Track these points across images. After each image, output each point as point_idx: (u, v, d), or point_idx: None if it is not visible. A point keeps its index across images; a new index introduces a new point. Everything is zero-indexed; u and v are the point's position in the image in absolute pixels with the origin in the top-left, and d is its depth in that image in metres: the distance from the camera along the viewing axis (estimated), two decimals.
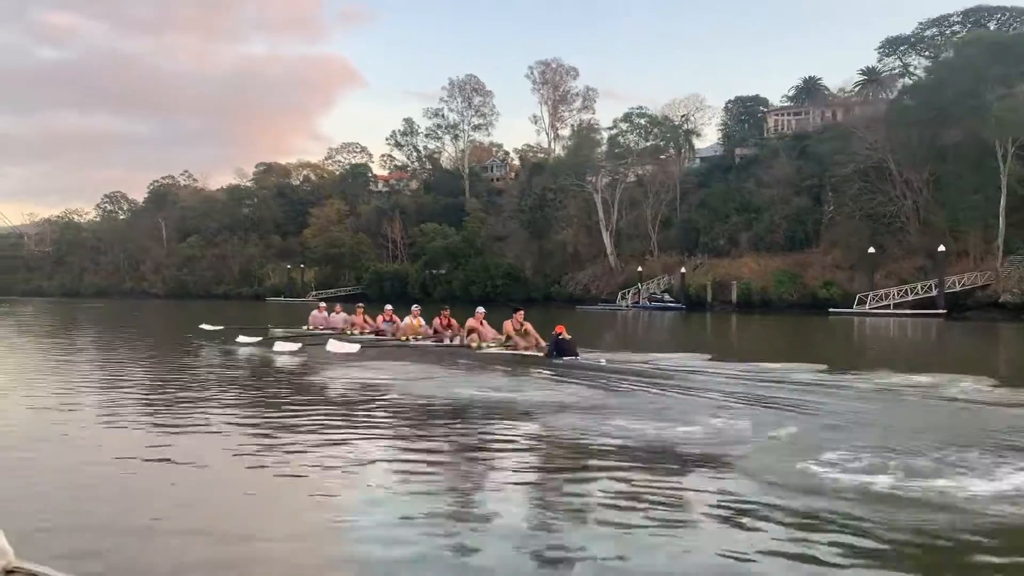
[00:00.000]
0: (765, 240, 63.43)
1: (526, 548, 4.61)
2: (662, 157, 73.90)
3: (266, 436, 8.07)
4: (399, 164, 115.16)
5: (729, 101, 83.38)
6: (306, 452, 7.25)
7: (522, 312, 16.21)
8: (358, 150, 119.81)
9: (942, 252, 48.62)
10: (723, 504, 5.50)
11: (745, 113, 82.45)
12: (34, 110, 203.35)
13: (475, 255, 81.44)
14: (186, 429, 8.50)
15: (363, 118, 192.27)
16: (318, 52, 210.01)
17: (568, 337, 14.49)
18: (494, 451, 7.52)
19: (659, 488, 5.95)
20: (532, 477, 6.51)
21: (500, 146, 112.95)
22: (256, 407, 10.36)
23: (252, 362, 16.49)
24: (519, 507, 5.55)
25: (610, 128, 73.00)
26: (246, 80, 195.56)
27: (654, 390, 11.19)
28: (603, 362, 14.19)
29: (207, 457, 7.05)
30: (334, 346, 16.88)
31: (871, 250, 52.64)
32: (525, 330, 15.70)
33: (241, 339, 19.80)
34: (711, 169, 76.34)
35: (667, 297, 60.40)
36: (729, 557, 4.44)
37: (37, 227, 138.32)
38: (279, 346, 18.05)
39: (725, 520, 5.17)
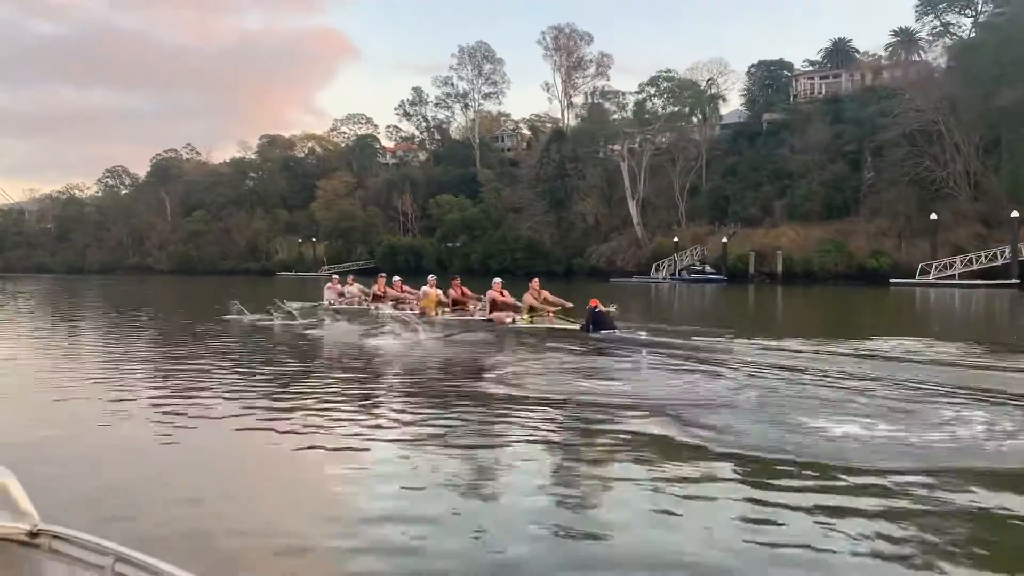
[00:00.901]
0: (801, 208, 59.09)
1: (544, 526, 4.49)
2: (681, 124, 69.11)
3: (295, 410, 7.89)
4: (405, 135, 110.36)
5: (752, 65, 78.12)
6: (329, 429, 7.05)
7: (536, 280, 15.98)
8: (363, 121, 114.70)
9: (1016, 218, 44.37)
10: None
11: (769, 78, 77.42)
12: (31, 85, 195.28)
13: (492, 227, 77.03)
14: (212, 405, 8.30)
15: (361, 91, 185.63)
16: (315, 25, 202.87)
17: (604, 310, 14.00)
18: (533, 430, 7.05)
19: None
20: (566, 455, 6.18)
21: (508, 115, 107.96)
22: (286, 382, 9.98)
23: (276, 339, 15.91)
24: (552, 487, 5.29)
25: (637, 92, 68.11)
26: (243, 54, 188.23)
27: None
28: (642, 335, 13.71)
29: (229, 433, 6.92)
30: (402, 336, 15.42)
31: (933, 216, 48.36)
32: (544, 298, 15.44)
33: (293, 305, 20.10)
34: (736, 136, 71.57)
35: (708, 268, 56.06)
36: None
37: (38, 203, 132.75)
38: (329, 326, 17.62)
39: None
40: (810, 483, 5.31)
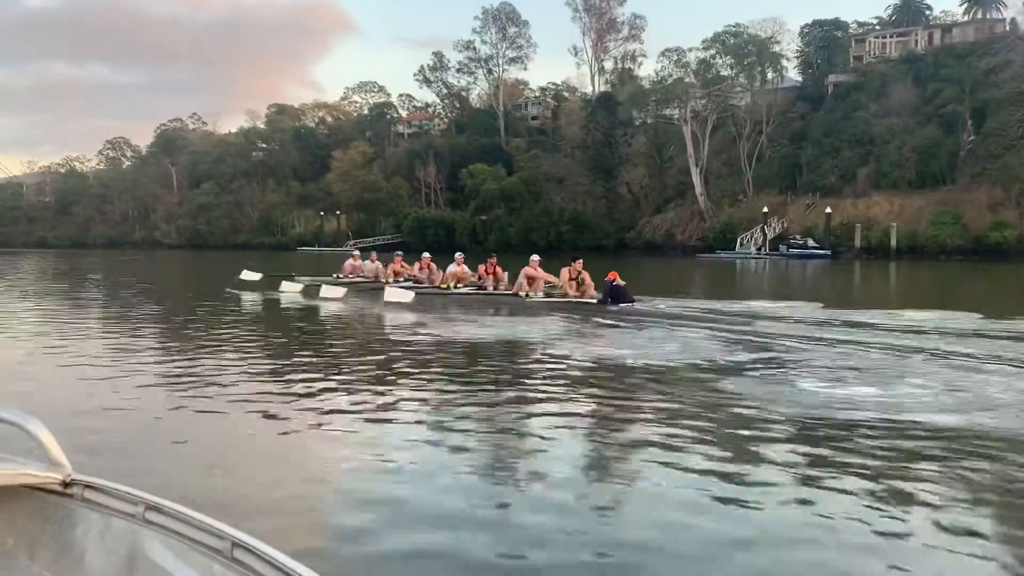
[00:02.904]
0: (891, 176, 50.82)
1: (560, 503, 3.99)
2: (754, 84, 60.36)
3: (303, 384, 7.29)
4: (418, 105, 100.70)
5: (805, 25, 69.40)
6: (340, 402, 6.57)
7: (580, 261, 14.58)
8: (375, 89, 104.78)
9: None
10: None
11: (824, 38, 68.62)
12: (24, 60, 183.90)
13: (532, 199, 68.06)
14: (228, 374, 7.81)
15: (357, 66, 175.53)
16: None
17: (622, 283, 13.32)
18: (540, 402, 6.43)
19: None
20: (579, 429, 5.63)
21: (526, 83, 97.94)
22: (296, 355, 9.26)
23: (294, 311, 15.27)
24: (561, 462, 4.75)
25: (705, 47, 58.91)
26: (238, 27, 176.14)
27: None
28: (663, 307, 13.26)
29: (245, 400, 6.53)
30: (391, 295, 15.20)
31: None
32: (581, 279, 14.30)
33: (284, 286, 18.59)
34: (796, 100, 62.84)
35: (810, 242, 47.49)
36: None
37: (36, 176, 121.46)
38: (325, 291, 16.75)
39: None
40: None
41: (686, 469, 4.46)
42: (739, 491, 4.06)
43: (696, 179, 57.77)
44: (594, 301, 13.55)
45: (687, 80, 58.71)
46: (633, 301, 13.25)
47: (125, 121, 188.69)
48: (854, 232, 47.15)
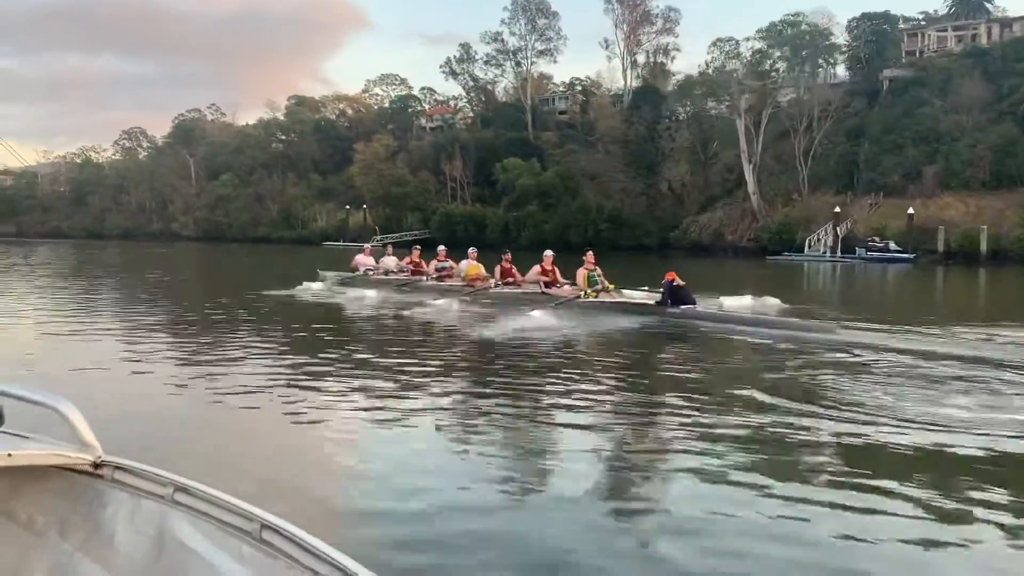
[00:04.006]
0: (961, 175, 46.69)
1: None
2: (806, 75, 56.13)
3: (336, 378, 7.19)
4: (440, 98, 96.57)
5: (852, 19, 65.15)
6: (374, 396, 6.43)
7: (591, 252, 13.73)
8: (397, 82, 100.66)
9: None
10: None
11: (873, 32, 64.38)
12: (38, 50, 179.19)
13: (567, 194, 63.93)
14: (264, 366, 7.78)
15: (371, 61, 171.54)
16: None
17: (682, 284, 11.98)
18: (596, 413, 6.00)
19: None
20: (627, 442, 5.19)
21: (550, 77, 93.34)
22: (332, 351, 8.90)
23: (329, 307, 14.74)
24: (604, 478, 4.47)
25: (760, 37, 54.71)
26: (249, 21, 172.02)
27: None
28: (727, 311, 12.26)
29: (279, 391, 6.52)
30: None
31: None
32: (598, 274, 13.39)
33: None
34: (852, 95, 58.44)
35: (892, 245, 43.28)
36: None
37: (51, 166, 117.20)
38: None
39: None
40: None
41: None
42: None
43: (749, 176, 53.52)
44: (651, 302, 12.40)
45: (740, 72, 54.44)
46: (695, 303, 11.96)
47: (138, 113, 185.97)
48: (935, 235, 42.85)
